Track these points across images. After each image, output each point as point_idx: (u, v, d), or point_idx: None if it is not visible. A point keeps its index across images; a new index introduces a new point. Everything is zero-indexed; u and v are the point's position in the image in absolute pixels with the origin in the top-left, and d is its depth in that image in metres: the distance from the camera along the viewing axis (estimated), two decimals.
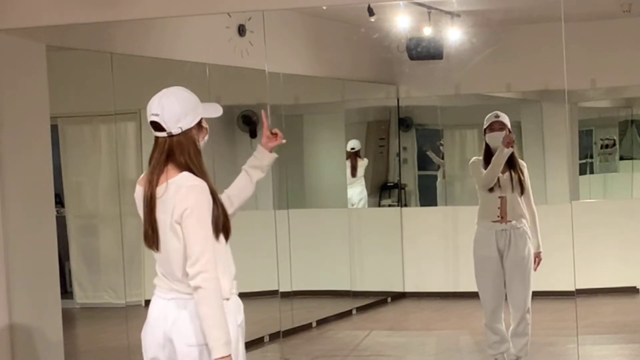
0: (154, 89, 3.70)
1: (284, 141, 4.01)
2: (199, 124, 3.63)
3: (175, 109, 3.56)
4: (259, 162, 3.97)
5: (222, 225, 3.58)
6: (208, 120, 3.71)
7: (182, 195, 3.48)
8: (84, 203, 8.30)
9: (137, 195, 3.66)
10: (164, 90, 3.64)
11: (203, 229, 3.49)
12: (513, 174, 6.45)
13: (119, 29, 6.95)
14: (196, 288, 3.46)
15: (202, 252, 3.46)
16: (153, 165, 3.58)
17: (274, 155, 4.00)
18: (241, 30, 8.10)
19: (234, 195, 3.91)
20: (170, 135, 3.56)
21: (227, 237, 3.63)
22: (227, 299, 3.60)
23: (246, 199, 3.97)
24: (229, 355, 3.45)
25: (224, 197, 3.76)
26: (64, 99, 7.23)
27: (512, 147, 6.33)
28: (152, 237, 3.57)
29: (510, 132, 6.44)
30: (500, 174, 6.44)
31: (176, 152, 3.56)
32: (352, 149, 10.57)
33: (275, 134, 4.00)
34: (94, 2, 5.73)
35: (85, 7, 5.75)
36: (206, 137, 3.69)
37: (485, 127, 6.50)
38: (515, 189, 6.44)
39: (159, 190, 3.53)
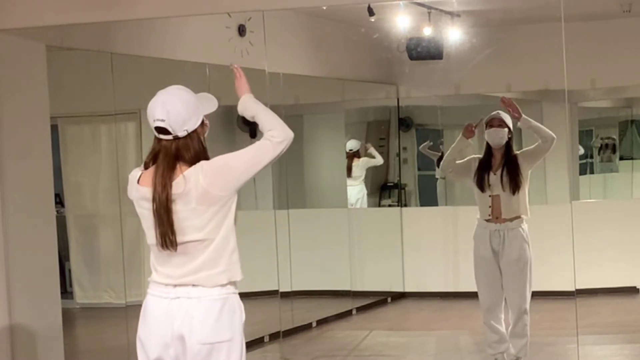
0: (154, 89, 3.70)
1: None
2: (201, 122, 3.65)
3: (181, 113, 3.56)
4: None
5: None
6: (208, 115, 3.72)
7: (202, 167, 3.54)
8: (84, 203, 8.30)
9: (142, 195, 3.59)
10: (164, 93, 3.61)
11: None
12: (505, 173, 6.45)
13: (119, 29, 6.95)
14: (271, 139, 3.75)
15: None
16: (163, 167, 3.55)
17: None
18: (241, 30, 8.10)
19: None
20: (177, 138, 3.57)
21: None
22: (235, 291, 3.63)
23: None
24: None
25: None
26: (64, 99, 7.23)
27: (472, 136, 6.54)
28: (171, 238, 3.53)
29: (510, 129, 6.52)
30: (492, 173, 6.47)
31: (184, 153, 3.58)
32: (350, 150, 10.56)
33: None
34: (94, 2, 5.73)
35: (85, 7, 5.75)
36: (207, 132, 3.71)
37: (485, 123, 6.53)
38: (506, 188, 6.44)
39: (177, 185, 3.52)
